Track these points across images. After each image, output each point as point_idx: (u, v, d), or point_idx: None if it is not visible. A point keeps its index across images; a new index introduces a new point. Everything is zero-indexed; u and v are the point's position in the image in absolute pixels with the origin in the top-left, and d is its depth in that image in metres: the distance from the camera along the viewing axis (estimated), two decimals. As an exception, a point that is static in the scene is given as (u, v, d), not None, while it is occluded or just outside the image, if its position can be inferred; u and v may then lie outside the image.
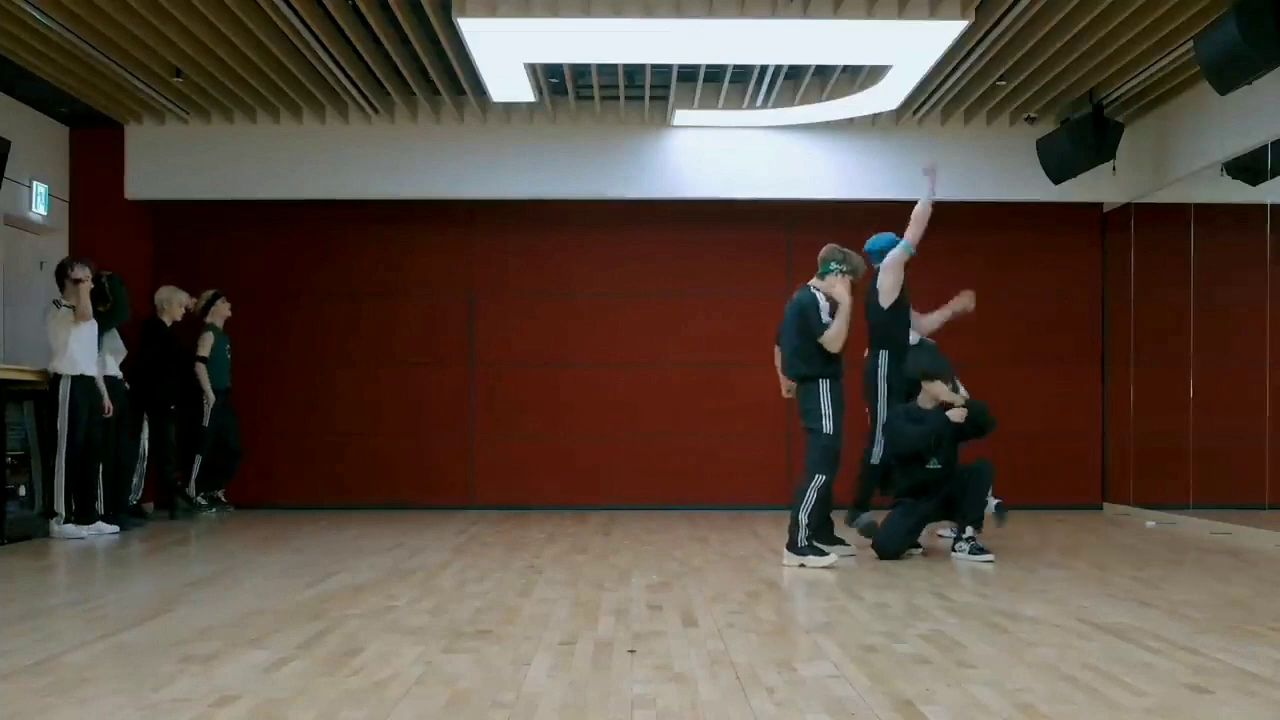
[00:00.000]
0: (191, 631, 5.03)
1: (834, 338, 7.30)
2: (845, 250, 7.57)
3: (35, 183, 10.05)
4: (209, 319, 10.87)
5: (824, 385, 7.33)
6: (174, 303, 10.56)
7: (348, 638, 4.87)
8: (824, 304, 7.39)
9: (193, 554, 8.13)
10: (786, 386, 7.77)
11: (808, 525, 7.28)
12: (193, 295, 10.82)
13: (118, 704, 3.78)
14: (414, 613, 5.50)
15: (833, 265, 7.47)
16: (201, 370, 10.70)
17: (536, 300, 11.63)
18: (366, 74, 9.63)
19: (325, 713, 3.66)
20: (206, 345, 10.76)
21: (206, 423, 10.74)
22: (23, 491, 8.85)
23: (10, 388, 8.72)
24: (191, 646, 4.67)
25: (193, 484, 10.74)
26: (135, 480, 10.24)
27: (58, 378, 8.93)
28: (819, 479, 7.28)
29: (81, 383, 8.99)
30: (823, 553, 7.25)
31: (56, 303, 8.98)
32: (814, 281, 7.53)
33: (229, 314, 11.00)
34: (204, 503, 10.80)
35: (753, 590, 6.33)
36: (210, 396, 10.72)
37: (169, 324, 10.52)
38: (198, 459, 10.76)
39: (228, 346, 10.97)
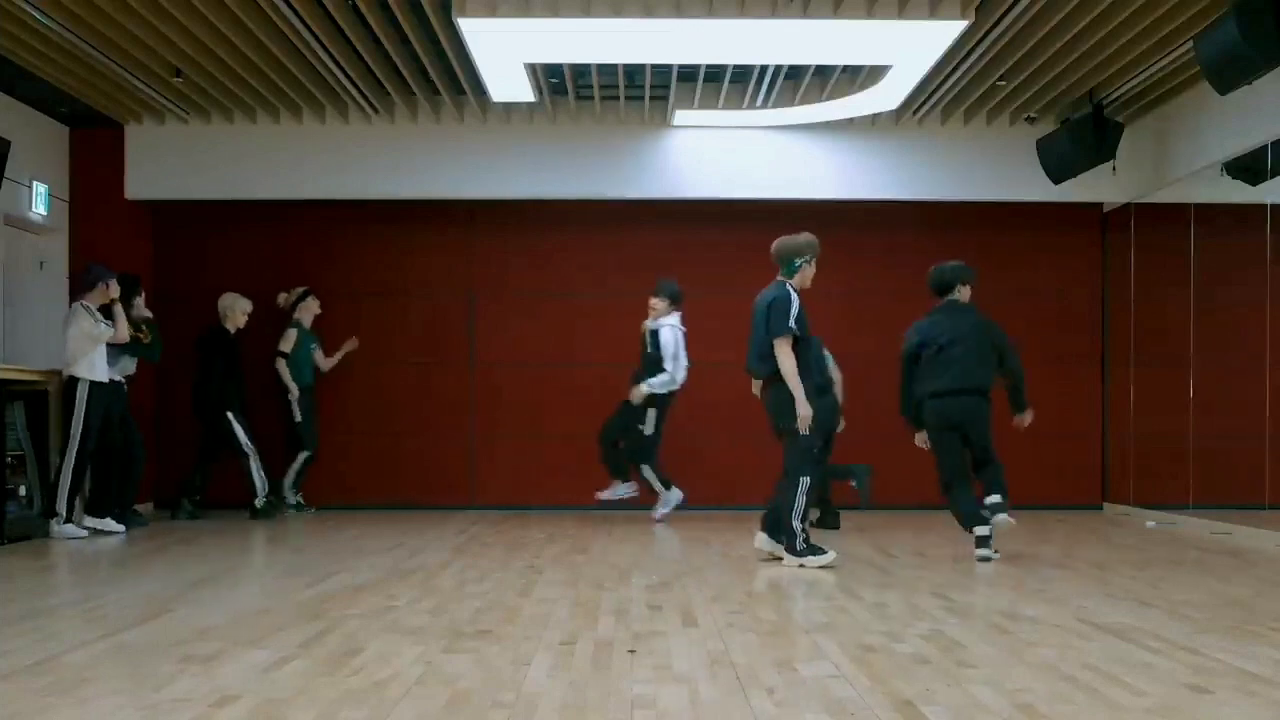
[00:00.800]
0: (191, 631, 5.03)
1: (788, 372, 7.18)
2: (793, 239, 7.44)
3: (35, 183, 10.05)
4: (296, 315, 10.93)
5: None
6: (236, 310, 10.63)
7: (348, 638, 4.87)
8: (795, 304, 7.26)
9: (193, 554, 8.13)
10: (757, 386, 7.62)
11: (803, 528, 7.26)
12: (284, 290, 10.98)
13: (118, 704, 3.78)
14: (414, 613, 5.50)
15: (798, 262, 7.39)
16: (282, 365, 10.76)
17: (537, 300, 11.63)
18: (366, 74, 9.63)
19: (325, 713, 3.66)
20: (290, 341, 10.82)
21: (299, 418, 10.80)
22: (23, 491, 8.85)
23: (10, 388, 8.72)
24: (191, 646, 4.67)
25: (291, 482, 10.85)
26: (257, 480, 10.40)
27: (74, 380, 9.00)
28: (804, 481, 7.22)
29: (99, 389, 9.09)
30: (821, 551, 7.24)
31: (88, 311, 9.03)
32: (782, 277, 7.40)
33: (318, 311, 11.06)
34: (295, 503, 10.89)
35: (753, 590, 6.33)
36: (294, 390, 10.76)
37: (233, 331, 10.59)
38: (302, 455, 10.86)
39: (313, 344, 11.02)
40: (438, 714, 3.66)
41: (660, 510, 10.31)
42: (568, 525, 9.97)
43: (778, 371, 7.24)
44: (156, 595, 6.15)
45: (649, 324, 10.18)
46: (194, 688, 3.99)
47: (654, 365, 10.06)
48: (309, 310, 11.01)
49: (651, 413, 10.12)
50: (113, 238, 10.76)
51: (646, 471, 10.25)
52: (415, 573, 6.93)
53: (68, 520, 8.92)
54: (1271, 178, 8.94)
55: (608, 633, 5.00)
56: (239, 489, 10.85)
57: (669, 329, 10.05)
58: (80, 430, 8.97)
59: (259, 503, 10.41)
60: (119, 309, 9.23)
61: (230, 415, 10.39)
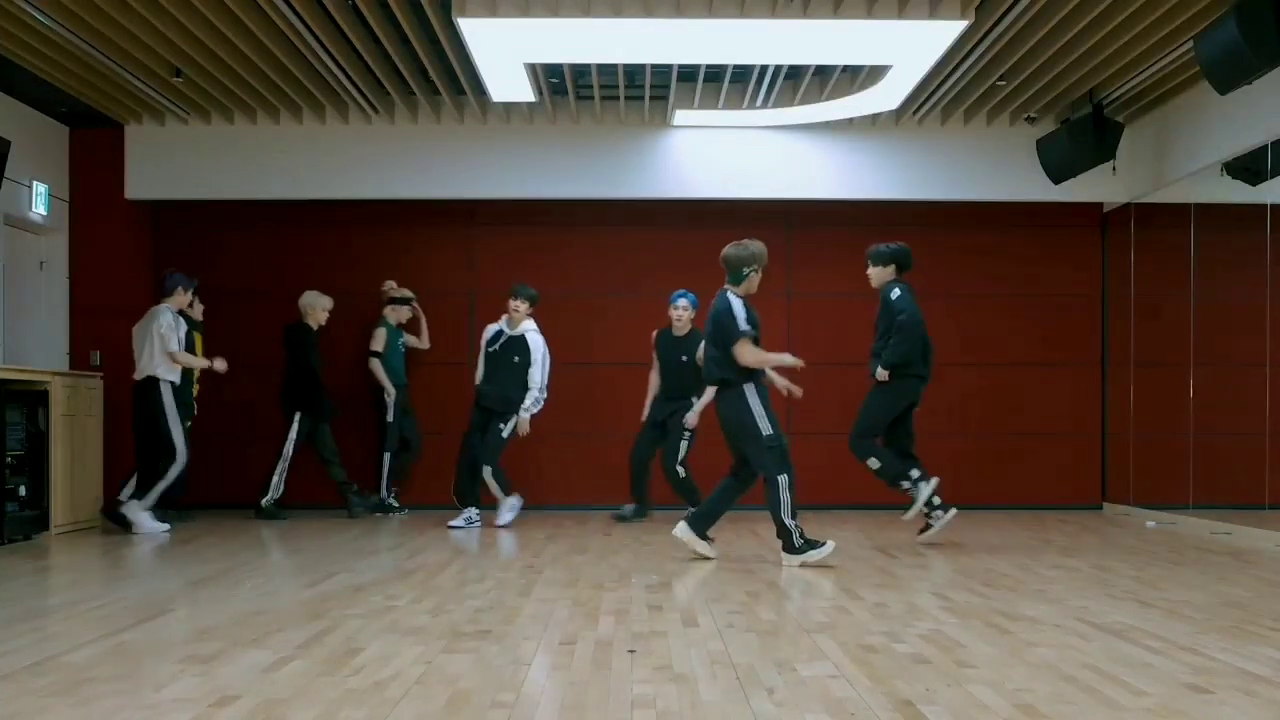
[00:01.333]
0: (191, 631, 5.03)
1: (761, 360, 7.37)
2: (743, 248, 7.50)
3: (35, 183, 10.05)
4: (385, 313, 10.91)
5: (748, 388, 7.31)
6: (317, 307, 10.67)
7: (348, 638, 4.87)
8: (739, 309, 7.34)
9: (193, 554, 8.13)
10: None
11: (796, 525, 7.28)
12: (391, 281, 11.04)
13: (118, 704, 3.78)
14: (414, 613, 5.50)
15: (746, 271, 7.47)
16: (377, 365, 10.72)
17: (536, 300, 11.61)
18: (366, 74, 9.63)
19: (325, 713, 3.66)
20: (380, 340, 10.78)
21: (390, 418, 10.79)
22: (23, 491, 8.84)
23: (10, 387, 8.72)
24: (191, 646, 4.67)
25: (384, 484, 10.84)
26: (275, 480, 10.44)
27: (153, 380, 9.32)
28: (783, 479, 7.25)
29: (175, 389, 9.43)
30: (819, 544, 7.26)
31: (173, 315, 9.40)
32: (728, 286, 7.51)
33: (404, 320, 11.01)
34: (396, 503, 10.88)
35: (753, 590, 6.33)
36: (391, 390, 10.73)
37: (315, 328, 10.63)
38: (385, 456, 10.83)
39: (402, 340, 11.00)
40: (438, 714, 3.66)
41: (505, 516, 9.96)
42: (568, 525, 9.97)
43: (727, 379, 7.36)
44: (156, 595, 6.16)
45: (506, 329, 9.90)
46: (194, 688, 3.99)
47: (515, 370, 9.78)
48: (397, 315, 10.96)
49: (513, 421, 9.84)
50: (113, 238, 10.77)
51: (488, 474, 9.85)
52: (415, 573, 6.93)
53: (147, 510, 9.25)
54: (1271, 178, 8.94)
55: (608, 633, 5.00)
56: (240, 488, 10.87)
57: (536, 334, 9.91)
58: (176, 428, 9.35)
59: (265, 502, 10.41)
60: (198, 359, 9.71)
61: (297, 416, 10.44)
